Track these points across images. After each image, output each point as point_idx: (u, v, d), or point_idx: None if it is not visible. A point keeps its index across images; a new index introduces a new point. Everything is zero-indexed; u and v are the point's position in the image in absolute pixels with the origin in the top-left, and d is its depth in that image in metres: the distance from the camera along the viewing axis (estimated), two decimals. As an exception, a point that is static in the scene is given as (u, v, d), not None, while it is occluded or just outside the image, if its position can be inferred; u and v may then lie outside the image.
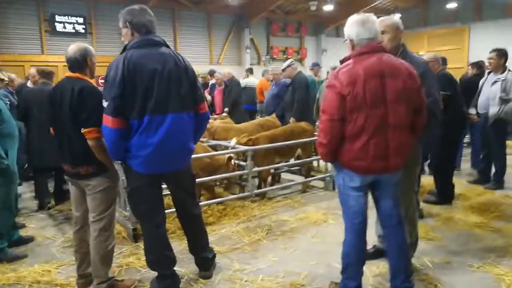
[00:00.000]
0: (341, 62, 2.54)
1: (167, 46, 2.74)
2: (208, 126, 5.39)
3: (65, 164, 2.76)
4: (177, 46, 15.60)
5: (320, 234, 3.97)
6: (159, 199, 2.80)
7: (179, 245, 3.60)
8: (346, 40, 2.54)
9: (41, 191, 5.06)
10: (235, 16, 17.08)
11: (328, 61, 16.71)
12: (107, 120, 2.48)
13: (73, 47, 2.71)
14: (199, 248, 3.09)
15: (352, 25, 2.49)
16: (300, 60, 19.03)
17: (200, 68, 10.22)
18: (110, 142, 2.54)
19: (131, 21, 2.61)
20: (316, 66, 8.29)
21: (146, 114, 2.52)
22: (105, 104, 2.48)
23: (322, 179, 5.60)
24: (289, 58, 10.23)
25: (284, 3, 17.00)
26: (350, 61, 2.43)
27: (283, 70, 6.39)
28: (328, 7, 16.88)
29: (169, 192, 3.03)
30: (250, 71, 9.74)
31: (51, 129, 2.83)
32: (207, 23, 16.59)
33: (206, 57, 16.66)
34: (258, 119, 6.27)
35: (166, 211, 2.93)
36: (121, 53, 2.59)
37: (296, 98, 6.19)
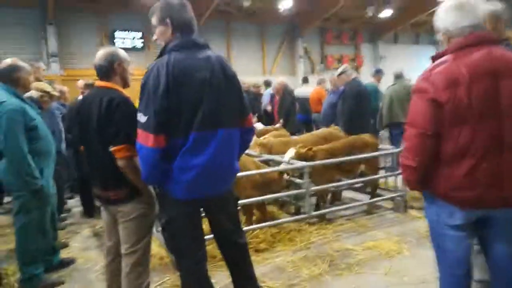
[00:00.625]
0: (433, 59, 1.94)
1: (210, 49, 2.30)
2: (264, 141, 5.03)
3: (95, 187, 2.40)
4: (231, 57, 15.50)
5: (394, 269, 3.30)
6: (200, 230, 2.34)
7: (227, 277, 3.12)
8: (438, 33, 1.95)
9: (88, 199, 5.12)
10: (288, 25, 16.68)
11: (386, 69, 15.74)
12: (146, 138, 2.05)
13: (100, 52, 2.37)
14: (244, 281, 2.57)
15: (447, 12, 1.88)
16: (356, 68, 18.13)
17: (254, 79, 9.88)
18: (148, 164, 2.09)
19: (171, 17, 2.18)
20: (378, 72, 7.58)
21: (193, 131, 2.08)
22: (143, 118, 2.05)
23: (391, 199, 4.88)
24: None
25: (338, 11, 16.31)
26: (447, 57, 1.83)
27: (338, 76, 5.83)
28: (385, 13, 15.95)
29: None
30: (305, 80, 9.21)
31: (81, 146, 2.49)
32: (260, 33, 16.34)
33: (259, 67, 16.39)
34: (321, 130, 5.64)
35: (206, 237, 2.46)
36: (159, 56, 2.18)
37: (344, 108, 5.59)
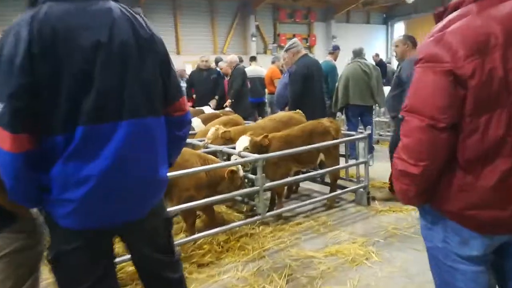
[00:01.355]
0: (439, 15, 1.32)
1: (117, 0, 1.53)
2: (226, 133, 4.09)
3: None
4: (179, 35, 14.45)
5: (363, 283, 2.77)
6: (107, 270, 1.61)
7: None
8: None
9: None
10: (239, 2, 15.78)
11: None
12: (1, 138, 1.30)
13: None
14: None
15: None
16: (309, 48, 17.69)
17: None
18: (9, 177, 1.35)
19: None
20: (336, 49, 7.02)
21: (80, 124, 1.34)
22: None
23: (353, 191, 4.37)
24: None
25: (292, -13, 15.69)
26: (467, 8, 1.21)
27: (285, 51, 5.14)
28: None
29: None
30: (253, 59, 8.49)
31: None
32: (210, 10, 15.34)
33: (209, 46, 15.46)
34: (280, 114, 4.94)
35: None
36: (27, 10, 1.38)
37: (290, 89, 5.01)
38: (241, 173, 3.49)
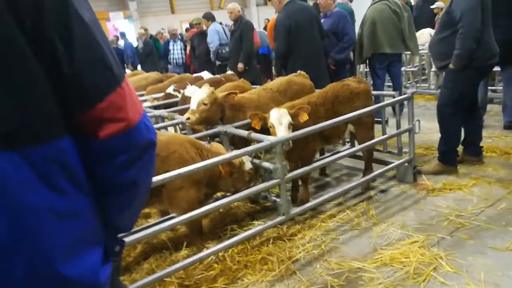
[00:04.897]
0: None
1: None
2: (211, 96, 2.97)
3: None
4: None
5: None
6: None
7: None
8: None
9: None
10: None
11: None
12: None
13: None
14: None
15: None
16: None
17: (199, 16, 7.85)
18: None
19: None
20: (353, -11, 5.90)
21: None
22: None
23: (395, 168, 3.49)
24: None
25: None
26: None
27: None
28: None
29: None
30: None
31: None
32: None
33: (206, 1, 14.16)
34: (276, 81, 3.91)
35: None
36: None
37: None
38: (248, 166, 2.65)
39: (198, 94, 2.97)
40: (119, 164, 0.76)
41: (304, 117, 2.79)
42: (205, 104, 2.93)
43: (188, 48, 7.94)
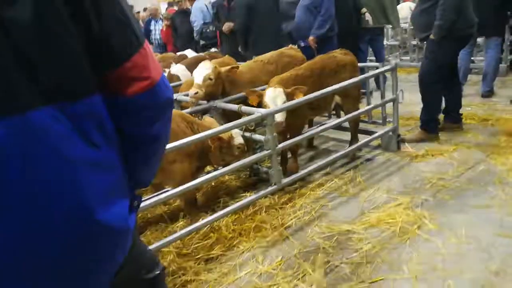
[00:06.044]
0: None
1: None
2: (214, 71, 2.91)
3: None
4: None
5: (427, 266, 2.11)
6: None
7: None
8: None
9: None
10: None
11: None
12: None
13: None
14: None
15: None
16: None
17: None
18: None
19: None
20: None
21: None
22: None
23: (380, 136, 3.61)
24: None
25: None
26: None
27: None
28: None
29: None
30: None
31: None
32: None
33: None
34: (267, 54, 3.97)
35: None
36: None
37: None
38: (238, 140, 2.71)
39: (202, 69, 2.99)
40: (144, 119, 0.84)
41: (300, 96, 2.86)
42: (210, 79, 2.96)
43: (165, 26, 7.78)
